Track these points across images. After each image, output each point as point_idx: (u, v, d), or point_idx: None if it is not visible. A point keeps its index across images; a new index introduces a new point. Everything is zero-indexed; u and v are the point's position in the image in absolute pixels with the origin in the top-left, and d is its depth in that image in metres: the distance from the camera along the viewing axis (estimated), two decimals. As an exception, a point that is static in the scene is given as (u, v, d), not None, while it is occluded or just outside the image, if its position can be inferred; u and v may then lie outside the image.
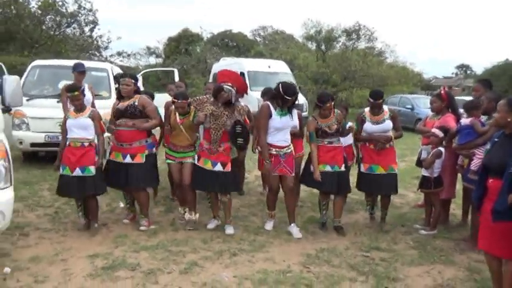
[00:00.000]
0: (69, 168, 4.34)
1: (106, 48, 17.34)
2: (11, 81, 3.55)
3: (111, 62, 17.94)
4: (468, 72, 72.35)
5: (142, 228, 4.63)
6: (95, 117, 4.47)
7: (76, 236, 4.43)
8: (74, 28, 16.95)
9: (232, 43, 41.06)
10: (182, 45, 32.25)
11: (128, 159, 4.53)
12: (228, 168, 4.52)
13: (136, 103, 4.52)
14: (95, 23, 16.70)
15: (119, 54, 20.36)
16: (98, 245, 4.19)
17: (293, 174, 4.59)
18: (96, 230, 4.51)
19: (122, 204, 5.40)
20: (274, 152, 4.46)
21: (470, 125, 4.30)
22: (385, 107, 4.85)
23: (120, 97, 4.67)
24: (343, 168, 4.63)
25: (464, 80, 66.48)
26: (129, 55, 22.67)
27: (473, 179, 4.22)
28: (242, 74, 15.86)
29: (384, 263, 3.98)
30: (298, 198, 5.57)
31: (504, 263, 3.01)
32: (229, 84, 4.46)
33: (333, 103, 4.57)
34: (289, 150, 4.55)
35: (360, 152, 4.94)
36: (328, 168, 4.56)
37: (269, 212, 4.82)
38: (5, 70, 9.69)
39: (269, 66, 16.16)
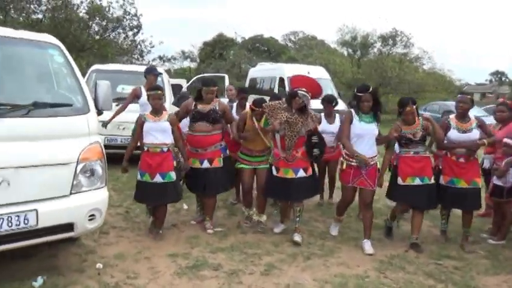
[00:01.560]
0: (149, 174, 4.31)
1: (149, 52, 17.82)
2: (103, 86, 3.75)
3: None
4: (503, 79, 70.37)
5: (209, 231, 4.71)
6: (173, 121, 4.45)
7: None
8: (119, 33, 17.51)
9: (263, 48, 41.35)
10: (217, 49, 32.75)
11: (206, 165, 4.62)
12: (310, 172, 4.53)
13: (217, 107, 4.63)
14: (139, 27, 17.24)
15: (160, 58, 20.84)
16: (173, 245, 4.34)
17: (374, 188, 4.38)
18: (163, 234, 4.56)
19: (185, 206, 5.56)
20: (355, 164, 4.29)
21: None
22: (472, 116, 4.59)
23: (197, 98, 4.68)
24: (432, 181, 4.44)
25: (498, 87, 64.74)
26: (169, 59, 23.12)
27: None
28: (282, 79, 16.02)
29: (459, 271, 3.98)
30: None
31: None
32: (304, 89, 4.46)
33: (414, 107, 4.37)
34: (372, 162, 4.32)
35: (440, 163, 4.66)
36: (417, 181, 4.38)
37: (337, 217, 4.78)
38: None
39: (308, 72, 16.10)
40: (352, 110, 4.36)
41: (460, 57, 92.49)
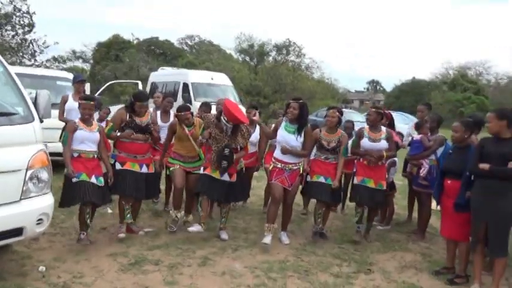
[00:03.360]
0: (86, 174, 4.32)
1: (41, 52, 16.74)
2: (43, 95, 3.89)
3: (48, 67, 17.37)
4: (378, 87, 78.42)
5: (141, 233, 4.97)
6: (102, 132, 4.60)
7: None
8: (6, 30, 16.19)
9: (159, 50, 40.90)
10: (113, 51, 31.67)
11: (145, 169, 4.85)
12: (234, 178, 4.91)
13: (150, 120, 4.90)
14: (31, 26, 16.13)
15: (55, 59, 19.64)
16: (109, 246, 4.57)
17: (289, 188, 4.84)
18: (96, 236, 4.75)
19: (110, 210, 5.74)
20: (279, 166, 4.82)
21: (420, 140, 5.38)
22: (383, 128, 5.12)
23: (131, 110, 4.78)
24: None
25: (374, 94, 72.17)
26: (64, 60, 21.84)
27: (422, 183, 5.33)
28: (186, 85, 16.31)
29: (358, 252, 4.87)
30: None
31: (460, 245, 4.07)
32: (225, 118, 4.72)
33: (338, 113, 4.99)
34: (295, 167, 4.82)
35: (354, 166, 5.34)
36: (321, 179, 4.98)
37: (269, 224, 4.83)
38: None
39: (212, 78, 16.76)
40: (284, 118, 4.90)
41: (341, 66, 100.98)
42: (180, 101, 14.27)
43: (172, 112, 5.82)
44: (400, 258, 4.74)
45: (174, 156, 5.19)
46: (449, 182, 4.08)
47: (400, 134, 6.03)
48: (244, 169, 5.40)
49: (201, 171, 4.95)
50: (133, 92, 5.16)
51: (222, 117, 4.79)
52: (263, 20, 75.91)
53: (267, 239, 4.74)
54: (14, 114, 3.56)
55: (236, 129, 4.87)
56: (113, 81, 13.20)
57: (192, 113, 5.17)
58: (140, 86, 12.11)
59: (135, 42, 37.19)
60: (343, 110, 8.24)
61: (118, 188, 4.72)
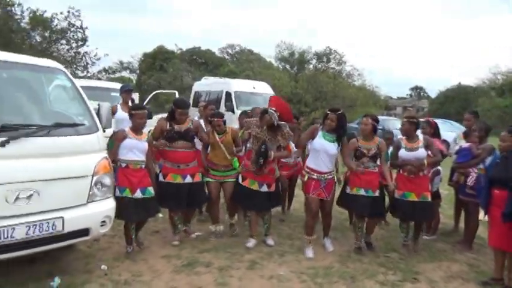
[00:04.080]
0: (129, 190, 4.35)
1: (93, 64, 17.71)
2: (105, 107, 4.23)
3: (99, 78, 18.32)
4: (421, 93, 76.36)
5: (193, 236, 5.18)
6: (150, 142, 4.65)
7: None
8: (61, 44, 17.27)
9: (200, 60, 41.85)
10: (157, 61, 32.78)
11: (189, 179, 4.91)
12: (273, 188, 5.02)
13: (191, 126, 4.96)
14: (84, 40, 17.13)
15: (105, 71, 20.67)
16: (162, 249, 4.84)
17: (329, 199, 4.87)
18: (150, 239, 4.99)
19: (160, 215, 6.01)
20: (315, 177, 4.78)
21: (469, 148, 5.32)
22: (420, 136, 5.07)
23: (171, 118, 4.90)
24: (377, 194, 4.92)
25: (418, 101, 70.42)
26: (114, 71, 22.93)
27: (469, 192, 5.28)
28: (229, 93, 16.69)
29: (403, 261, 4.89)
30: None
31: (509, 255, 4.03)
32: (273, 109, 4.90)
33: (372, 120, 4.92)
34: (330, 176, 4.82)
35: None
36: (362, 192, 4.90)
37: (307, 237, 4.94)
38: None
39: (254, 87, 17.04)
40: (319, 126, 4.87)
41: (385, 72, 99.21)
42: (223, 109, 14.62)
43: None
44: (447, 268, 4.73)
45: (208, 164, 5.23)
46: (497, 191, 4.06)
47: (446, 142, 5.96)
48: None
49: (240, 181, 5.03)
50: (174, 100, 5.28)
51: (269, 109, 4.87)
52: (303, 28, 76.02)
53: (310, 253, 4.87)
54: (81, 125, 3.89)
55: (278, 127, 4.91)
56: (156, 91, 13.55)
57: (224, 121, 5.25)
58: (177, 95, 12.46)
59: (178, 52, 38.32)
60: (384, 117, 8.20)
61: (162, 201, 4.79)
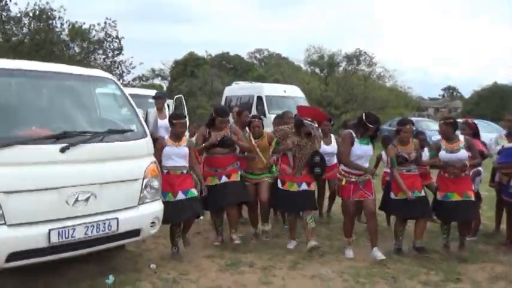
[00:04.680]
0: (171, 193, 4.48)
1: (129, 73, 18.33)
2: (152, 114, 4.46)
3: (134, 86, 18.88)
4: (454, 94, 74.36)
5: (236, 242, 4.98)
6: (191, 146, 4.76)
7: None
8: (98, 53, 17.94)
9: (229, 65, 42.29)
10: (188, 67, 33.38)
11: (224, 179, 4.99)
12: (312, 186, 5.07)
13: (229, 133, 5.02)
14: (120, 49, 17.75)
15: (140, 78, 21.29)
16: (206, 249, 5.02)
17: (373, 197, 4.86)
18: (193, 240, 5.07)
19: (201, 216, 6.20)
20: (354, 180, 4.79)
21: None
22: (461, 136, 5.04)
23: (210, 125, 5.06)
24: (423, 193, 4.97)
25: (450, 101, 68.60)
26: (148, 79, 23.58)
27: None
28: (260, 98, 16.89)
29: (445, 262, 4.88)
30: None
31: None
32: (309, 119, 4.94)
33: (412, 126, 4.95)
34: (367, 177, 4.85)
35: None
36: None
37: (347, 239, 5.00)
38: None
39: (285, 91, 17.19)
40: (352, 132, 4.83)
41: (414, 72, 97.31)
42: (254, 114, 14.82)
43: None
44: (490, 270, 4.68)
45: (244, 168, 5.30)
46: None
47: (483, 143, 5.88)
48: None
49: (279, 186, 5.06)
50: (215, 108, 5.41)
51: (304, 120, 4.93)
52: (331, 31, 75.66)
53: (350, 254, 4.94)
54: (131, 131, 4.11)
55: (311, 135, 4.98)
56: (178, 95, 13.40)
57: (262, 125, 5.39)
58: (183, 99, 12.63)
59: (208, 58, 38.91)
60: (418, 118, 8.13)
61: (203, 204, 4.93)
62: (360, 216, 6.02)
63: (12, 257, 3.20)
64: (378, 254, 4.76)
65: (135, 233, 3.91)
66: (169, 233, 4.77)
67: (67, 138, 3.52)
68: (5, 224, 3.17)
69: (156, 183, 4.14)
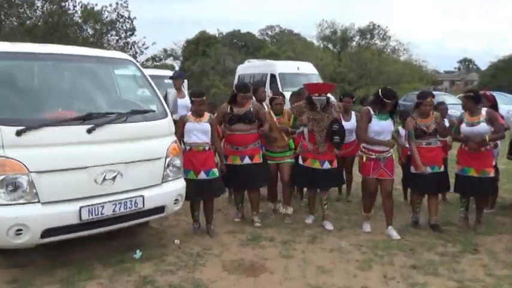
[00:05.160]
0: (193, 172, 4.59)
1: (141, 53, 18.38)
2: (172, 94, 4.55)
3: (147, 67, 18.96)
4: (471, 66, 72.77)
5: (257, 224, 5.08)
6: (213, 122, 4.80)
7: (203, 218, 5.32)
8: (111, 35, 18.01)
9: (241, 43, 42.00)
10: (200, 47, 33.28)
11: (247, 161, 4.99)
12: (335, 164, 5.08)
13: (251, 109, 5.04)
14: (132, 30, 17.76)
15: (153, 59, 21.35)
16: (226, 225, 5.16)
17: (393, 178, 4.87)
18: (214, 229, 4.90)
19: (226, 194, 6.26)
20: (374, 157, 4.79)
21: None
22: (483, 110, 4.93)
23: (232, 101, 5.07)
24: (442, 169, 4.96)
25: (467, 74, 67.26)
26: (160, 59, 23.62)
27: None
28: (273, 75, 16.85)
29: (462, 234, 4.95)
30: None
31: None
32: (317, 94, 4.94)
33: (433, 99, 4.87)
34: (389, 155, 4.82)
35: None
36: (428, 169, 4.84)
37: (366, 213, 5.08)
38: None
39: (298, 68, 17.10)
40: (370, 109, 4.83)
41: (429, 45, 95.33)
42: (268, 91, 14.80)
43: (265, 103, 5.95)
44: (507, 241, 4.74)
45: (265, 146, 5.31)
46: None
47: (501, 116, 5.81)
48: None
49: (300, 162, 5.11)
50: (236, 84, 5.44)
51: (313, 97, 4.94)
52: (344, 4, 74.15)
53: (367, 227, 5.03)
54: (152, 111, 4.21)
55: (328, 105, 5.01)
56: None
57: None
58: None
59: (219, 36, 38.67)
60: (437, 92, 8.00)
61: (225, 182, 4.97)
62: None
63: (46, 233, 3.37)
64: (393, 233, 4.81)
65: (160, 209, 4.05)
66: (190, 209, 4.92)
67: (92, 120, 3.64)
68: (39, 202, 3.33)
69: (177, 162, 4.25)
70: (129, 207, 3.75)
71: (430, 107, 4.89)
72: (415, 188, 5.20)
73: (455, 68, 76.48)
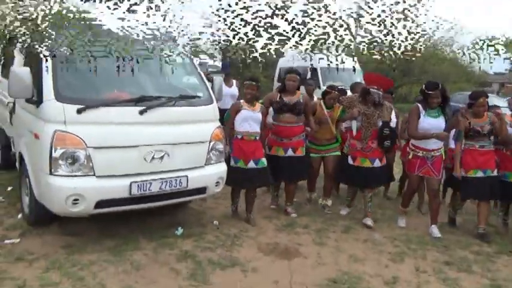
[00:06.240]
0: (243, 161, 4.65)
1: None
2: (218, 81, 4.76)
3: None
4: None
5: (293, 215, 5.13)
6: (264, 113, 4.86)
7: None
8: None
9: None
10: (242, 39, 33.46)
11: (290, 153, 5.00)
12: (384, 161, 5.02)
13: (301, 100, 5.01)
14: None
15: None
16: (263, 211, 5.32)
17: (439, 177, 4.73)
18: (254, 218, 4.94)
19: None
20: (421, 154, 4.71)
21: None
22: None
23: (281, 90, 5.07)
24: (495, 173, 4.69)
25: (516, 76, 63.96)
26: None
27: None
28: (315, 69, 16.78)
29: (498, 235, 4.93)
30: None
31: None
32: (375, 87, 4.90)
33: (487, 99, 4.64)
34: (438, 153, 4.70)
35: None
36: (480, 174, 4.64)
37: (403, 208, 5.08)
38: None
39: (340, 63, 16.86)
40: (419, 105, 4.70)
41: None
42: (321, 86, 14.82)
43: (315, 96, 6.11)
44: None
45: (310, 139, 5.33)
46: None
47: None
48: None
49: (350, 162, 5.01)
50: (286, 69, 5.47)
51: (370, 89, 4.87)
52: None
53: (402, 222, 5.04)
54: (199, 97, 4.43)
55: (380, 103, 4.94)
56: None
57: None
58: None
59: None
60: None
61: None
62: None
63: (100, 204, 3.67)
64: (435, 231, 4.76)
65: (202, 190, 4.29)
66: (231, 193, 5.05)
67: (144, 102, 3.90)
68: (94, 175, 3.63)
69: (220, 146, 4.46)
70: (174, 186, 4.00)
71: (483, 108, 4.65)
72: (466, 195, 4.97)
73: (506, 69, 72.98)
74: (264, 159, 4.77)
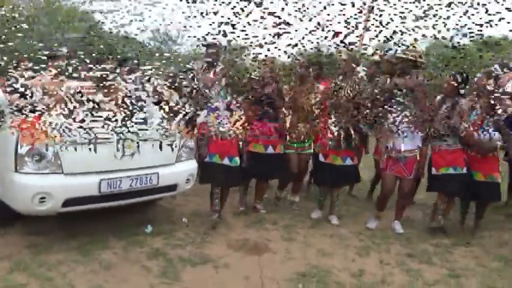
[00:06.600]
0: (219, 156, 4.54)
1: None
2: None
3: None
4: None
5: (262, 211, 5.22)
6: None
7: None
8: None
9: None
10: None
11: (270, 150, 5.01)
12: (356, 160, 5.07)
13: None
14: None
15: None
16: (231, 208, 5.33)
17: (410, 177, 4.79)
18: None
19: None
20: (394, 155, 4.74)
21: None
22: None
23: None
24: (465, 171, 4.73)
25: None
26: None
27: None
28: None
29: (456, 229, 5.18)
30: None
31: None
32: None
33: None
34: (411, 155, 4.72)
35: None
36: (451, 171, 4.73)
37: (378, 212, 5.05)
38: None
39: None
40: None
41: None
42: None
43: None
44: (499, 236, 4.96)
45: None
46: None
47: None
48: None
49: (321, 159, 4.99)
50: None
51: None
52: None
53: (373, 225, 4.98)
54: (169, 94, 4.42)
55: None
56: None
57: None
58: None
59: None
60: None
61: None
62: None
63: (68, 202, 3.61)
64: (398, 227, 4.89)
65: (172, 187, 4.30)
66: (210, 194, 4.78)
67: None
68: (62, 173, 3.57)
69: (191, 144, 4.48)
70: (145, 183, 3.98)
71: None
72: (433, 188, 5.00)
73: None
74: (237, 158, 4.65)
